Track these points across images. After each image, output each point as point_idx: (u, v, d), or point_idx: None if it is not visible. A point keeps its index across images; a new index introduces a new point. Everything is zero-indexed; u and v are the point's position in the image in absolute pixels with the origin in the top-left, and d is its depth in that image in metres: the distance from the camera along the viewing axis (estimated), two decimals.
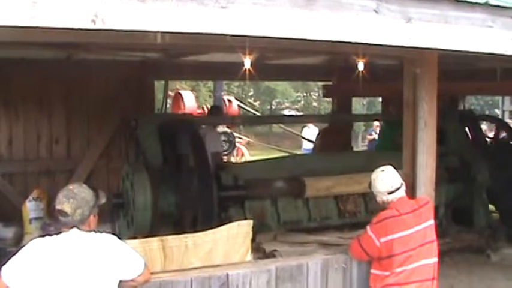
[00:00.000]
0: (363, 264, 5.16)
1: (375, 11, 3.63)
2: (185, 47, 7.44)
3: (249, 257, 5.20)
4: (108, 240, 3.79)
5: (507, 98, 21.54)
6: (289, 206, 8.00)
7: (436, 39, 3.93)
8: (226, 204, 7.49)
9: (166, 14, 3.09)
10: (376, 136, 17.28)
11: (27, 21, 2.86)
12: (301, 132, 20.79)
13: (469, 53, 4.15)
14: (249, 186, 7.73)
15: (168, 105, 16.73)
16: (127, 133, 8.87)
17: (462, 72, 9.98)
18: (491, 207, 9.62)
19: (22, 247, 3.71)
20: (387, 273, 4.80)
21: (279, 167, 8.53)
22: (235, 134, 18.28)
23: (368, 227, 4.92)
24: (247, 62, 5.75)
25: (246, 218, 6.55)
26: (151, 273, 4.20)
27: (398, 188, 4.90)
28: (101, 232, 3.83)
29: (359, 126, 27.13)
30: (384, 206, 4.94)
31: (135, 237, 6.00)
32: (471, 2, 3.92)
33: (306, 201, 8.03)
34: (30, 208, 8.57)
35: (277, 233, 7.40)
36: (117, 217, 7.86)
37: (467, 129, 10.19)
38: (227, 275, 4.73)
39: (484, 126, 13.89)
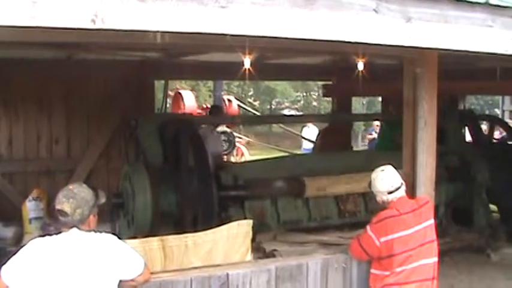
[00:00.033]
0: (363, 264, 5.16)
1: (374, 10, 3.63)
2: (185, 47, 7.44)
3: (249, 256, 5.20)
4: (108, 240, 3.79)
5: (507, 98, 21.51)
6: (289, 206, 8.00)
7: (436, 38, 3.93)
8: (226, 204, 7.50)
9: (166, 13, 3.09)
10: (376, 136, 17.27)
11: (27, 21, 2.86)
12: (301, 131, 20.78)
13: (469, 53, 4.15)
14: (249, 186, 7.74)
15: (168, 105, 16.72)
16: (127, 133, 8.86)
17: (462, 71, 9.97)
18: (492, 206, 9.62)
19: (22, 247, 3.71)
20: (387, 272, 4.80)
21: (278, 166, 8.54)
22: (235, 134, 18.26)
23: (368, 227, 4.92)
24: (247, 62, 5.74)
25: (246, 218, 6.55)
26: (151, 273, 4.20)
27: (399, 188, 4.90)
28: (100, 232, 3.83)
29: (359, 125, 27.11)
30: (383, 206, 4.94)
31: (135, 237, 5.99)
32: (471, 2, 3.92)
33: (306, 201, 8.03)
34: (30, 208, 8.57)
35: (277, 233, 7.41)
36: (117, 217, 7.86)
37: (467, 128, 10.21)
38: (227, 274, 4.73)
39: (483, 126, 13.85)
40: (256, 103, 33.76)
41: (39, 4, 2.85)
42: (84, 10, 2.93)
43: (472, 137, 10.28)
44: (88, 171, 9.90)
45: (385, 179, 4.90)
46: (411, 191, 5.28)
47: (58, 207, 3.72)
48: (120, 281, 3.79)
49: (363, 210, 8.25)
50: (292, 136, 24.23)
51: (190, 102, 18.35)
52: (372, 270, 4.97)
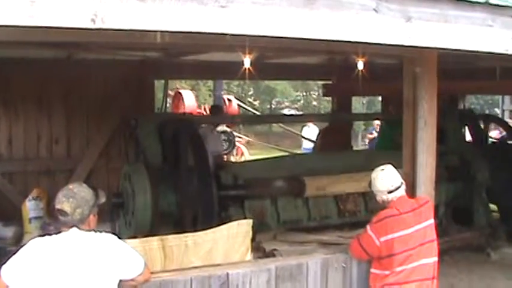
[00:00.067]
0: (363, 263, 5.16)
1: (374, 10, 3.63)
2: (185, 46, 7.43)
3: (249, 256, 5.20)
4: (108, 239, 3.79)
5: (507, 97, 21.50)
6: (289, 205, 8.00)
7: (435, 38, 3.93)
8: (226, 204, 7.49)
9: (166, 13, 3.09)
10: (376, 135, 17.27)
11: (25, 21, 2.86)
12: (301, 131, 20.78)
13: (468, 52, 4.15)
14: (249, 185, 7.73)
15: (168, 105, 16.73)
16: (127, 132, 8.87)
17: (462, 71, 9.97)
18: (491, 206, 9.62)
19: (22, 246, 3.71)
20: (387, 272, 4.80)
21: (278, 166, 8.54)
22: (235, 133, 18.27)
23: (368, 226, 4.92)
24: (247, 61, 5.74)
25: (245, 217, 6.56)
26: (151, 273, 4.20)
27: (398, 187, 4.90)
28: (100, 231, 3.83)
29: (359, 125, 27.11)
30: (383, 205, 4.94)
31: (135, 237, 5.99)
32: (471, 1, 3.92)
33: (306, 200, 8.03)
34: (30, 207, 8.57)
35: (277, 232, 7.40)
36: (117, 216, 7.86)
37: (467, 128, 10.20)
38: (227, 274, 4.73)
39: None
40: (256, 103, 33.77)
41: (37, 3, 2.85)
42: (83, 10, 2.93)
43: (472, 137, 10.27)
44: (88, 170, 9.90)
45: (385, 179, 4.90)
46: (411, 191, 5.28)
47: (58, 206, 3.72)
48: (120, 280, 3.79)
49: (363, 209, 8.25)
50: (292, 136, 24.23)
51: (190, 101, 18.36)
52: (372, 270, 4.97)
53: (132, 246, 4.09)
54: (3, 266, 3.63)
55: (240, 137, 21.53)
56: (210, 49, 7.60)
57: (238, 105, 21.22)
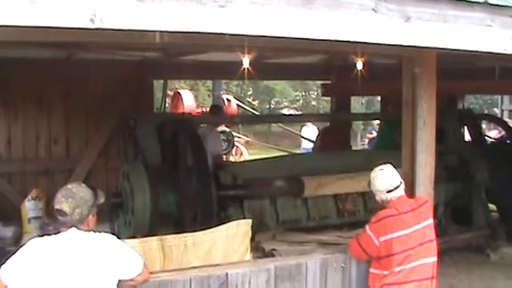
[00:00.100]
0: (362, 263, 5.15)
1: (373, 10, 3.63)
2: (184, 46, 7.44)
3: (248, 256, 5.20)
4: (107, 239, 3.79)
5: (506, 97, 21.51)
6: (288, 205, 7.99)
7: (434, 38, 3.93)
8: (225, 204, 7.49)
9: (165, 13, 3.09)
10: (376, 135, 17.27)
11: (25, 21, 2.86)
12: (300, 131, 20.80)
13: (468, 52, 4.15)
14: (248, 185, 7.73)
15: (167, 105, 16.73)
16: (126, 132, 8.86)
17: (461, 71, 9.97)
18: (491, 206, 9.61)
19: (21, 246, 3.71)
20: (386, 272, 4.80)
21: (277, 166, 8.53)
22: (234, 133, 18.28)
23: (367, 226, 4.92)
24: (246, 61, 5.74)
25: (245, 217, 6.56)
26: (151, 273, 4.20)
27: (397, 187, 4.90)
28: (99, 232, 3.83)
29: (358, 125, 27.14)
30: (383, 205, 4.93)
31: (134, 237, 5.99)
32: (470, 1, 3.92)
33: (305, 200, 8.02)
34: (29, 207, 8.57)
35: (276, 232, 7.40)
36: (116, 216, 7.86)
37: (466, 128, 10.20)
38: (226, 274, 4.73)
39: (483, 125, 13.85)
40: (255, 102, 33.78)
41: (37, 3, 2.85)
42: (82, 9, 2.93)
43: (471, 137, 10.27)
44: (87, 171, 9.90)
45: (384, 178, 4.90)
46: (410, 191, 5.28)
47: (57, 206, 3.72)
48: (120, 280, 3.79)
49: (362, 209, 8.24)
50: (291, 135, 24.24)
51: (189, 101, 18.37)
52: (371, 270, 4.96)
53: (131, 246, 4.09)
54: (3, 266, 3.62)
55: (239, 137, 21.53)
56: (209, 49, 7.61)
57: (238, 105, 21.23)
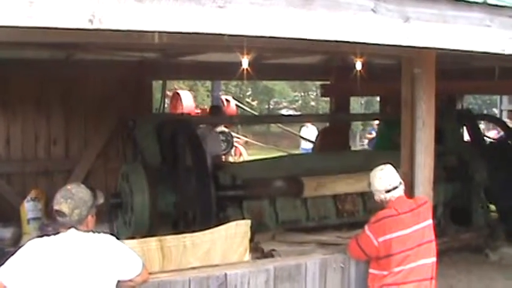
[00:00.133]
0: (361, 263, 5.16)
1: (372, 10, 3.63)
2: (183, 47, 7.44)
3: (247, 256, 5.20)
4: (106, 240, 3.79)
5: (505, 97, 21.50)
6: (287, 206, 7.99)
7: (434, 38, 3.93)
8: (225, 204, 7.48)
9: (164, 13, 3.09)
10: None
11: (24, 21, 2.85)
12: (299, 131, 20.80)
13: (467, 52, 4.16)
14: (247, 185, 7.73)
15: (166, 105, 16.72)
16: (125, 133, 8.86)
17: (460, 71, 9.97)
18: (490, 206, 9.62)
19: (20, 247, 3.71)
20: (385, 272, 4.80)
21: (277, 166, 8.53)
22: (233, 134, 18.27)
23: (366, 227, 4.92)
24: (245, 62, 5.74)
25: (244, 218, 6.55)
26: (150, 273, 4.20)
27: (396, 187, 4.90)
28: (99, 232, 3.83)
29: (357, 125, 27.15)
30: (382, 205, 4.94)
31: (133, 237, 5.99)
32: (469, 2, 3.93)
33: (304, 200, 8.02)
34: (28, 208, 8.56)
35: (276, 233, 7.39)
36: (115, 217, 7.86)
37: (465, 128, 10.20)
38: (225, 274, 4.73)
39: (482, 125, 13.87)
40: (254, 103, 33.77)
41: (36, 4, 2.85)
42: (81, 10, 2.92)
43: (470, 137, 10.27)
44: (86, 171, 9.90)
45: (383, 178, 4.90)
46: (409, 191, 5.28)
47: (56, 207, 3.72)
48: (119, 281, 3.79)
49: (361, 210, 8.24)
50: (290, 136, 24.23)
51: (188, 102, 18.36)
52: (370, 270, 4.97)
53: (131, 246, 4.09)
54: (2, 267, 3.62)
55: (238, 138, 21.53)
56: (208, 49, 7.61)
57: (237, 105, 21.22)
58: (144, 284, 4.09)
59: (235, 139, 18.91)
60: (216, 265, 4.94)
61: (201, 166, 7.23)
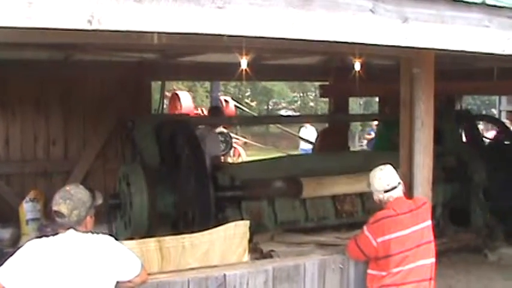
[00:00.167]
0: (360, 264, 5.16)
1: (371, 11, 3.64)
2: (182, 48, 7.44)
3: (246, 257, 5.20)
4: (105, 241, 3.79)
5: (504, 98, 21.51)
6: (286, 206, 7.98)
7: (432, 39, 3.93)
8: (223, 205, 7.48)
9: (163, 14, 3.09)
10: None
11: (23, 22, 2.85)
12: (298, 132, 20.80)
13: (465, 53, 4.16)
14: (246, 186, 7.72)
15: (164, 106, 16.72)
16: (124, 134, 8.85)
17: (459, 72, 9.98)
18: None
19: (19, 248, 3.71)
20: (384, 273, 4.80)
21: (276, 167, 8.52)
22: (232, 135, 18.27)
23: (365, 227, 4.93)
24: (243, 63, 5.74)
25: (243, 219, 6.54)
26: (149, 274, 4.20)
27: (395, 187, 4.90)
28: (97, 233, 3.83)
29: (356, 126, 27.16)
30: (381, 206, 4.94)
31: (132, 238, 5.99)
32: (468, 2, 3.93)
33: (303, 201, 8.01)
34: (27, 209, 8.55)
35: (275, 234, 7.38)
36: (114, 218, 7.85)
37: (464, 129, 10.20)
38: (224, 275, 4.73)
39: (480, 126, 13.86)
40: (253, 104, 33.77)
41: (35, 5, 2.85)
42: (80, 11, 2.92)
43: (468, 138, 10.27)
44: (85, 172, 9.88)
45: (382, 178, 4.91)
46: (408, 192, 5.28)
47: (55, 208, 3.72)
48: (117, 282, 3.79)
49: (360, 210, 8.23)
50: (289, 136, 24.23)
51: (187, 103, 18.36)
52: (369, 271, 4.97)
53: (129, 247, 4.10)
54: (0, 268, 3.62)
55: (237, 138, 21.53)
56: (207, 50, 7.61)
57: (235, 106, 21.22)
58: (143, 284, 4.09)
59: (234, 140, 18.91)
60: (215, 266, 4.94)
61: (200, 167, 7.22)
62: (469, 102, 27.77)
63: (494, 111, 25.73)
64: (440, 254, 5.35)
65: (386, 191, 4.88)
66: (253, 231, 5.68)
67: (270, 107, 37.19)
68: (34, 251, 3.64)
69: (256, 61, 7.18)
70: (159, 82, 12.02)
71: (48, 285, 3.55)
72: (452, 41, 4.00)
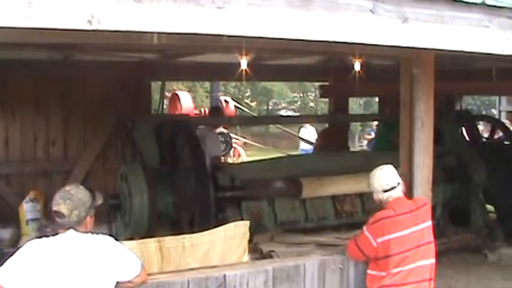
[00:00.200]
0: (360, 264, 5.16)
1: (371, 11, 3.63)
2: (182, 48, 7.44)
3: (246, 257, 5.19)
4: (104, 241, 3.79)
5: (504, 98, 21.52)
6: (286, 207, 7.98)
7: (432, 39, 3.93)
8: (223, 205, 7.48)
9: (163, 14, 3.09)
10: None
11: (22, 22, 2.85)
12: (298, 132, 20.81)
13: (465, 53, 4.16)
14: (246, 186, 7.72)
15: (164, 106, 16.72)
16: (124, 134, 8.85)
17: (459, 72, 9.98)
18: (488, 207, 9.62)
19: (19, 248, 3.71)
20: (384, 273, 4.80)
21: (275, 167, 8.53)
22: (232, 135, 18.29)
23: (364, 227, 4.93)
24: (243, 63, 5.74)
25: (243, 219, 6.54)
26: (148, 274, 4.20)
27: (394, 187, 4.89)
28: (97, 233, 3.83)
29: (356, 126, 27.17)
30: (381, 206, 4.94)
31: (132, 238, 5.99)
32: (467, 2, 3.93)
33: (303, 201, 8.02)
34: (27, 209, 8.55)
35: (274, 234, 7.38)
36: (113, 218, 7.85)
37: (463, 129, 10.21)
38: (224, 275, 4.73)
39: (480, 126, 13.86)
40: (253, 104, 33.77)
41: (34, 5, 2.85)
42: (80, 11, 2.92)
43: (468, 138, 10.28)
44: (85, 172, 9.88)
45: (381, 178, 4.91)
46: (408, 192, 5.27)
47: (55, 208, 3.71)
48: (117, 282, 3.79)
49: (360, 210, 8.24)
50: (289, 137, 24.24)
51: (187, 103, 18.38)
52: (369, 271, 4.97)
53: (129, 247, 4.09)
54: (0, 268, 3.62)
55: (237, 139, 21.54)
56: (206, 50, 7.61)
57: (235, 106, 21.23)
58: (143, 285, 4.09)
59: (234, 140, 18.92)
60: (215, 266, 4.94)
61: (200, 167, 7.22)
62: (469, 102, 27.77)
63: (494, 112, 25.74)
64: (440, 254, 5.35)
65: (385, 191, 4.88)
66: (253, 231, 5.68)
67: (270, 107, 37.20)
68: (34, 251, 3.63)
69: (256, 61, 7.18)
70: (159, 82, 12.03)
71: (48, 285, 3.55)
72: (452, 41, 4.00)
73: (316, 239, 7.02)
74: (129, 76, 9.86)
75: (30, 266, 3.57)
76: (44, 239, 3.71)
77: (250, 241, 5.36)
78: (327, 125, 13.19)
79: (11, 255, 3.65)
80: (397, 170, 5.04)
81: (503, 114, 21.67)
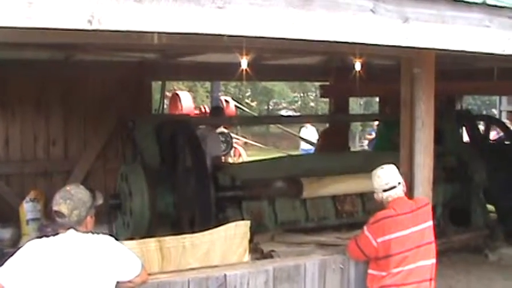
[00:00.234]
0: (361, 264, 5.15)
1: (371, 11, 3.63)
2: (182, 48, 7.44)
3: (246, 257, 5.19)
4: (105, 241, 3.79)
5: (504, 98, 21.52)
6: (286, 207, 7.99)
7: (433, 39, 3.93)
8: (224, 205, 7.48)
9: (163, 14, 3.08)
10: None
11: (23, 22, 2.85)
12: (298, 132, 20.80)
13: (466, 53, 4.16)
14: (247, 186, 7.72)
15: (165, 106, 16.72)
16: (124, 134, 8.85)
17: (459, 72, 9.98)
18: (489, 206, 9.62)
19: (19, 248, 3.71)
20: (384, 273, 4.79)
21: (276, 167, 8.52)
22: (232, 135, 18.28)
23: (365, 227, 4.92)
24: (244, 63, 5.73)
25: (243, 219, 6.54)
26: (149, 274, 4.20)
27: (394, 187, 4.89)
28: (98, 233, 3.83)
29: (356, 126, 27.17)
30: (382, 205, 4.94)
31: (132, 238, 5.99)
32: (468, 2, 3.93)
33: (304, 201, 8.02)
34: (27, 209, 8.55)
35: (275, 234, 7.39)
36: (114, 218, 7.85)
37: (464, 129, 10.21)
38: (225, 275, 4.73)
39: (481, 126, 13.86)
40: (253, 104, 33.77)
41: (35, 5, 2.84)
42: (80, 11, 2.92)
43: (469, 138, 10.28)
44: (85, 172, 9.88)
45: (382, 177, 4.91)
46: (408, 192, 5.27)
47: (55, 208, 3.71)
48: (118, 282, 3.79)
49: (360, 210, 8.25)
50: (290, 137, 24.24)
51: (187, 103, 18.37)
52: (369, 271, 4.96)
53: (130, 247, 4.09)
54: (0, 268, 3.62)
55: (237, 139, 21.53)
56: (207, 50, 7.61)
57: (236, 106, 21.23)
58: (143, 285, 4.09)
59: (234, 140, 18.92)
60: (216, 266, 4.93)
61: (201, 167, 7.22)
62: (470, 102, 27.78)
63: (495, 112, 25.74)
64: (440, 254, 5.35)
65: (385, 190, 4.88)
66: (254, 231, 5.68)
67: (271, 107, 37.20)
68: (34, 251, 3.63)
69: (256, 61, 7.17)
70: (160, 82, 12.03)
71: (49, 285, 3.55)
72: (453, 41, 4.00)
73: (317, 238, 7.02)
74: (129, 76, 9.86)
75: (31, 266, 3.57)
76: (44, 238, 3.70)
77: (250, 241, 5.36)
78: (327, 125, 13.18)
79: (12, 255, 3.65)
80: (399, 170, 5.03)
81: (503, 114, 21.68)
